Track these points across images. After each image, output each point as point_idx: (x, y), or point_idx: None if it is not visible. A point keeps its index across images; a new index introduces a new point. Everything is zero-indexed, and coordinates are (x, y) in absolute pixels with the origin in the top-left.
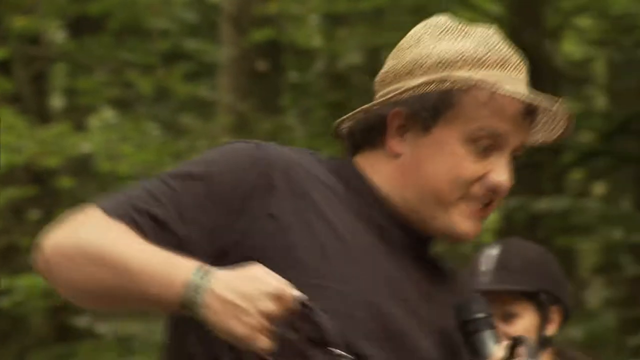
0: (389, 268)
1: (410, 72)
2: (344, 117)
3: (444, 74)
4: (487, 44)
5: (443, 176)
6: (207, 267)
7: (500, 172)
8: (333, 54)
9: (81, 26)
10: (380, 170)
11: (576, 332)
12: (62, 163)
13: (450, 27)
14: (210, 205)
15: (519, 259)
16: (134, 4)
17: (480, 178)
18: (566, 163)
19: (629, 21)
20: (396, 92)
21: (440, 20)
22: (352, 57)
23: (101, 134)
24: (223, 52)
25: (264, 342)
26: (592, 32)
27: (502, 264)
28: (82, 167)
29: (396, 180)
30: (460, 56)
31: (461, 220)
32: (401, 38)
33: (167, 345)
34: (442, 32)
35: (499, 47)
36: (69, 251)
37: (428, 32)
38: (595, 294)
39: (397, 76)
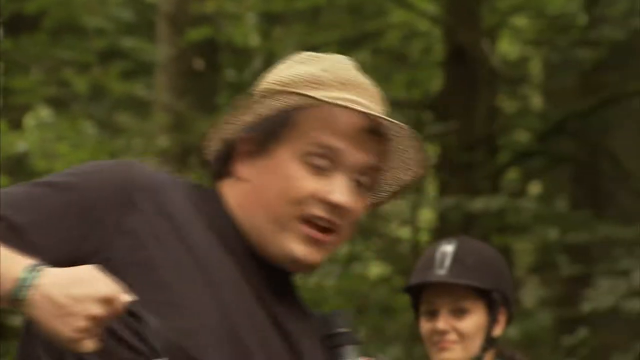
0: (241, 293)
1: (261, 98)
2: (206, 143)
3: (282, 95)
4: (329, 66)
5: (278, 196)
6: (43, 265)
7: (337, 192)
8: (270, 52)
9: (17, 24)
10: (234, 196)
11: (512, 331)
12: None
13: (308, 57)
14: (69, 215)
15: (474, 256)
16: (70, 2)
17: (314, 196)
18: (502, 162)
19: (565, 21)
20: (246, 117)
21: (302, 54)
22: (289, 56)
23: (37, 133)
24: (160, 51)
25: (86, 346)
26: (528, 31)
27: (458, 259)
28: (18, 165)
29: (245, 206)
30: (299, 78)
31: (296, 244)
32: (338, 37)
33: (19, 346)
34: (296, 62)
35: (339, 70)
36: None
37: (286, 62)
38: (531, 293)
39: (254, 102)
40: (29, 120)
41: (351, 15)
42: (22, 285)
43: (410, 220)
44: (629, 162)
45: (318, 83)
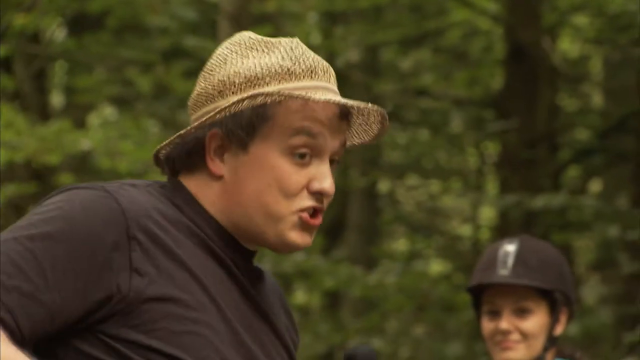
0: (232, 294)
1: (220, 93)
2: (162, 145)
3: (255, 90)
4: (293, 55)
5: (268, 192)
6: None
7: (322, 179)
8: (331, 51)
9: (81, 24)
10: (206, 194)
11: (573, 328)
12: (62, 160)
13: (254, 43)
14: (74, 265)
15: (536, 256)
16: (133, 1)
17: (304, 187)
18: (563, 160)
19: (625, 20)
20: (210, 114)
21: (243, 38)
22: (350, 55)
23: (101, 131)
24: None
25: None
26: (588, 30)
27: (520, 259)
28: (81, 164)
29: (221, 202)
30: (268, 70)
31: (292, 232)
32: (399, 36)
33: None
34: (246, 48)
35: (304, 57)
36: None
37: (233, 51)
38: (592, 290)
39: (209, 98)
40: (92, 119)
41: (412, 14)
42: None
43: (471, 218)
44: None
45: (289, 74)
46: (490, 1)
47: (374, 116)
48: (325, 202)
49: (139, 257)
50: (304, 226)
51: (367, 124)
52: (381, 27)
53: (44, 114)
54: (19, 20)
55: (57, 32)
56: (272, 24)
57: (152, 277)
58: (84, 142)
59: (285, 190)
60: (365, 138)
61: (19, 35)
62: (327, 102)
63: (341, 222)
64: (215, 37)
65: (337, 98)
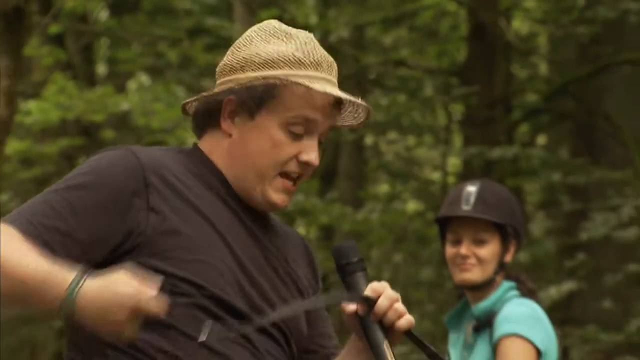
0: (238, 231)
1: (242, 67)
2: (190, 99)
3: (270, 71)
4: (305, 49)
5: (263, 155)
6: (83, 275)
7: (309, 153)
8: (326, 29)
9: (121, 6)
10: (217, 150)
11: (523, 256)
12: (105, 118)
13: (277, 31)
14: (102, 209)
15: (493, 196)
16: None
17: (293, 157)
18: (515, 119)
19: (567, 3)
20: (230, 84)
21: (269, 25)
22: (342, 32)
23: (137, 95)
24: (236, 28)
25: (124, 338)
26: (536, 12)
27: (480, 198)
28: (121, 122)
29: (228, 158)
30: (283, 57)
31: (274, 193)
32: (381, 16)
33: (68, 339)
34: (270, 35)
35: (314, 52)
36: None
37: (259, 35)
38: (538, 225)
39: (233, 69)
40: (130, 85)
41: None
42: (69, 297)
43: (440, 166)
44: (618, 119)
45: (298, 63)
46: None
47: (362, 108)
48: (309, 171)
49: (155, 200)
50: (283, 189)
51: (356, 112)
52: (367, 9)
53: (90, 81)
54: (70, 3)
55: (101, 13)
56: (277, 7)
57: (166, 215)
58: (123, 104)
59: (277, 156)
60: (353, 123)
61: (70, 16)
62: (325, 93)
63: (334, 169)
64: (231, 18)
65: (334, 91)
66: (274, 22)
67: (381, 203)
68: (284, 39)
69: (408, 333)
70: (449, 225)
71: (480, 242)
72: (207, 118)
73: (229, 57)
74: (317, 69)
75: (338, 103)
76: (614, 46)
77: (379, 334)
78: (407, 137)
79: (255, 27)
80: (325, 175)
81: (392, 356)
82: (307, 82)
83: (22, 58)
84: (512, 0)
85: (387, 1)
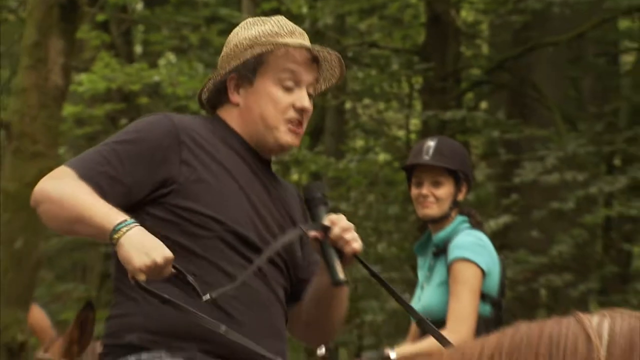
0: (258, 181)
1: (235, 53)
2: (202, 89)
3: (264, 47)
4: (279, 24)
5: (267, 110)
6: (127, 222)
7: (302, 100)
8: (314, 18)
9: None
10: (231, 118)
11: (470, 196)
12: (141, 88)
13: (255, 20)
14: (143, 160)
15: (448, 148)
16: None
17: (290, 105)
18: (463, 89)
19: None
20: (229, 67)
21: (248, 20)
22: (327, 20)
23: (166, 70)
24: (243, 17)
25: (141, 277)
26: (480, 4)
27: (437, 150)
28: (153, 91)
29: (241, 121)
30: (263, 33)
31: (284, 136)
32: (358, 7)
33: (114, 263)
34: (250, 25)
35: (286, 25)
36: (47, 196)
37: (242, 27)
38: (481, 172)
39: (229, 57)
40: (161, 62)
41: None
42: (115, 231)
43: (405, 126)
44: (543, 88)
45: (275, 34)
46: None
47: (335, 61)
48: (305, 117)
49: (186, 155)
50: (290, 132)
51: (332, 68)
52: (347, 1)
53: (129, 58)
54: None
55: (138, 4)
56: (276, 0)
57: (195, 167)
58: (155, 77)
59: (277, 108)
60: (333, 81)
61: (113, 7)
62: (300, 48)
63: (321, 128)
64: (239, 9)
65: (306, 43)
66: (251, 18)
67: (358, 154)
68: (261, 23)
69: (356, 256)
70: (413, 171)
71: (437, 184)
72: (217, 97)
73: (224, 50)
74: (291, 36)
75: (315, 58)
76: (540, 31)
77: (333, 255)
78: (378, 103)
79: (238, 26)
80: (314, 133)
81: (343, 273)
82: (292, 42)
83: (75, 40)
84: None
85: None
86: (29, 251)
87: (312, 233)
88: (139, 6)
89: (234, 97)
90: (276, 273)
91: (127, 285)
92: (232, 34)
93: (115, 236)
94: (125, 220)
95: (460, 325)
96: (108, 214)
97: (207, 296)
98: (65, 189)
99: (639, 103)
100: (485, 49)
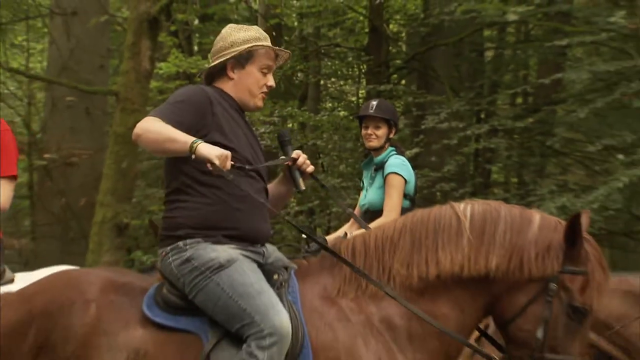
0: (244, 126)
1: (231, 46)
2: (204, 69)
3: (246, 45)
4: (258, 32)
5: (252, 85)
6: (198, 140)
7: (271, 81)
8: (301, 28)
9: (204, 17)
10: (227, 87)
11: (395, 136)
12: (197, 72)
13: (241, 27)
14: (192, 112)
15: (384, 105)
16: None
17: (264, 84)
18: (391, 71)
19: (416, 15)
20: (228, 55)
21: (235, 26)
22: (309, 30)
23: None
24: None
25: (217, 171)
26: (401, 20)
27: (378, 106)
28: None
29: (233, 90)
30: (249, 37)
31: (259, 102)
32: (329, 21)
33: (167, 168)
34: (239, 30)
35: (262, 32)
36: (147, 129)
37: (233, 31)
38: (402, 122)
39: (225, 49)
40: (209, 56)
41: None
42: (194, 142)
43: (356, 94)
44: (439, 71)
45: (257, 39)
46: (362, 8)
47: (287, 55)
48: (271, 89)
49: (215, 110)
50: (262, 99)
51: (283, 59)
52: (321, 18)
53: (190, 53)
54: (180, 16)
55: (195, 20)
56: (277, 17)
57: (219, 117)
58: (205, 65)
59: (258, 84)
60: (280, 62)
61: (180, 21)
62: (275, 50)
63: (305, 96)
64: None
65: (277, 48)
66: (234, 25)
67: (328, 112)
68: (246, 30)
69: (311, 174)
70: (363, 120)
71: (377, 128)
72: (217, 73)
73: (220, 43)
74: (266, 40)
75: (277, 55)
76: (437, 36)
77: (298, 174)
78: (340, 81)
79: (228, 29)
80: (301, 99)
81: (303, 185)
82: (263, 44)
83: (157, 41)
84: (389, 15)
85: (328, 17)
86: (130, 169)
87: (286, 162)
88: (196, 21)
89: (231, 74)
90: (261, 183)
91: (178, 194)
92: (226, 33)
93: (195, 145)
94: (197, 139)
95: (391, 213)
96: (186, 135)
97: (231, 176)
98: (157, 124)
99: (495, 81)
100: (404, 47)
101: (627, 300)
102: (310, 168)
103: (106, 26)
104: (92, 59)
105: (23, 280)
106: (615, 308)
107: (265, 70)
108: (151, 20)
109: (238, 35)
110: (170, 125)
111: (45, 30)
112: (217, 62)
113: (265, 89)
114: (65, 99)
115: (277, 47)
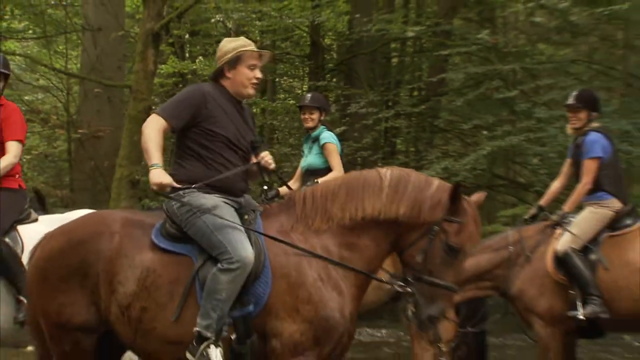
0: (235, 113)
1: (224, 55)
2: (210, 74)
3: (236, 51)
4: (245, 41)
5: (243, 80)
6: (157, 164)
7: (258, 74)
8: (262, 41)
9: (193, 32)
10: (225, 84)
11: (326, 118)
12: (188, 71)
13: (232, 39)
14: (190, 107)
15: (318, 96)
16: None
17: (253, 77)
18: (326, 72)
19: (344, 28)
20: (223, 61)
21: (229, 39)
22: (268, 42)
23: (200, 64)
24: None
25: (156, 188)
26: (332, 36)
27: (313, 97)
28: (193, 73)
29: (230, 85)
30: (239, 46)
31: (250, 92)
32: (281, 36)
33: (177, 142)
34: (232, 41)
35: (247, 41)
36: (142, 133)
37: (229, 42)
38: (333, 107)
39: (220, 57)
40: (197, 61)
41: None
42: (151, 167)
43: (300, 88)
44: (360, 73)
45: (245, 45)
46: (304, 26)
47: (268, 55)
48: (259, 82)
49: (208, 104)
50: (253, 89)
51: (266, 60)
52: (277, 34)
53: (182, 58)
54: (176, 31)
55: (186, 35)
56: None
57: (212, 109)
58: (192, 67)
59: (248, 79)
60: (266, 60)
61: (176, 36)
62: (260, 52)
63: (265, 89)
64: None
65: (261, 51)
66: (228, 38)
67: (281, 100)
68: (235, 40)
69: (273, 170)
70: (302, 108)
71: (312, 113)
72: (219, 74)
73: (219, 53)
74: (250, 46)
75: (261, 56)
76: (357, 47)
77: (263, 170)
78: (290, 79)
79: (224, 41)
80: (262, 91)
81: (268, 177)
82: (250, 49)
83: (159, 49)
84: (324, 32)
85: (281, 33)
86: (140, 141)
87: (253, 166)
88: (187, 35)
89: (227, 74)
90: (242, 153)
91: (182, 159)
92: (222, 45)
93: (151, 168)
94: (156, 164)
95: (337, 168)
96: (154, 157)
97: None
98: (152, 134)
99: (399, 79)
100: (334, 55)
101: (490, 256)
102: (272, 165)
103: (123, 39)
104: (113, 63)
105: (45, 220)
106: (485, 264)
107: (252, 67)
108: (155, 34)
109: (229, 45)
110: (170, 120)
111: (79, 41)
112: (217, 67)
113: (254, 80)
114: (93, 91)
115: (258, 50)
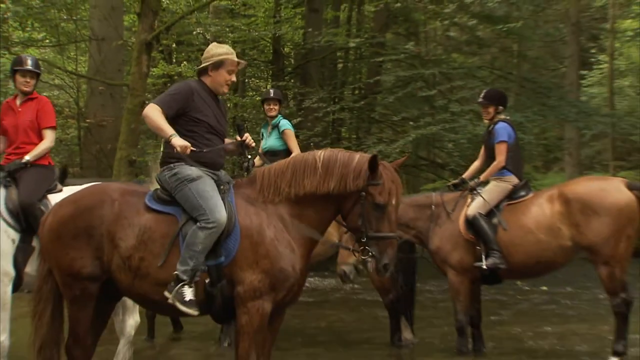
0: (214, 105)
1: (210, 57)
2: (198, 70)
3: (221, 57)
4: (229, 49)
5: (222, 80)
6: (174, 134)
7: (233, 77)
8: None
9: (179, 41)
10: (207, 81)
11: (286, 110)
12: (175, 73)
13: (220, 45)
14: (181, 101)
15: (278, 92)
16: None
17: (229, 79)
18: (285, 74)
19: (300, 40)
20: (211, 61)
21: (215, 45)
22: (239, 50)
23: (185, 67)
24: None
25: (179, 149)
26: (290, 46)
27: (275, 92)
28: (179, 74)
29: (211, 83)
30: (223, 52)
31: (225, 90)
32: (249, 46)
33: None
34: (218, 46)
35: (230, 49)
36: (147, 116)
37: (215, 47)
38: (291, 103)
39: (207, 58)
40: (182, 65)
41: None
42: (171, 136)
43: (266, 87)
44: (313, 74)
45: (228, 53)
46: (268, 38)
47: (244, 63)
48: (232, 84)
49: (195, 97)
50: (227, 88)
51: (242, 65)
52: (247, 44)
53: (170, 62)
54: (164, 41)
55: (173, 44)
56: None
57: (196, 102)
58: (178, 69)
59: (225, 80)
60: (241, 67)
61: (165, 45)
62: (238, 61)
63: (237, 87)
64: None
65: (240, 61)
66: (215, 43)
67: (250, 97)
68: (221, 47)
69: (252, 147)
70: (265, 101)
71: (275, 104)
72: (203, 72)
73: (206, 54)
74: (232, 54)
75: (238, 63)
76: (312, 55)
77: (245, 148)
78: (256, 79)
79: (211, 46)
80: (235, 90)
81: (247, 156)
82: (232, 58)
83: (151, 55)
84: (284, 42)
85: (249, 43)
86: (136, 128)
87: (241, 140)
88: (174, 45)
89: (210, 73)
90: (220, 136)
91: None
92: (209, 48)
93: (171, 137)
94: (173, 133)
95: (296, 151)
96: (169, 128)
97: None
98: (155, 113)
99: (343, 80)
100: (292, 61)
101: (415, 209)
102: (252, 144)
103: (122, 47)
104: (114, 66)
105: (68, 191)
106: (411, 215)
107: (230, 72)
108: (147, 44)
109: (216, 50)
110: (164, 109)
111: (87, 49)
112: (203, 65)
113: (229, 82)
114: (98, 89)
115: (238, 60)
